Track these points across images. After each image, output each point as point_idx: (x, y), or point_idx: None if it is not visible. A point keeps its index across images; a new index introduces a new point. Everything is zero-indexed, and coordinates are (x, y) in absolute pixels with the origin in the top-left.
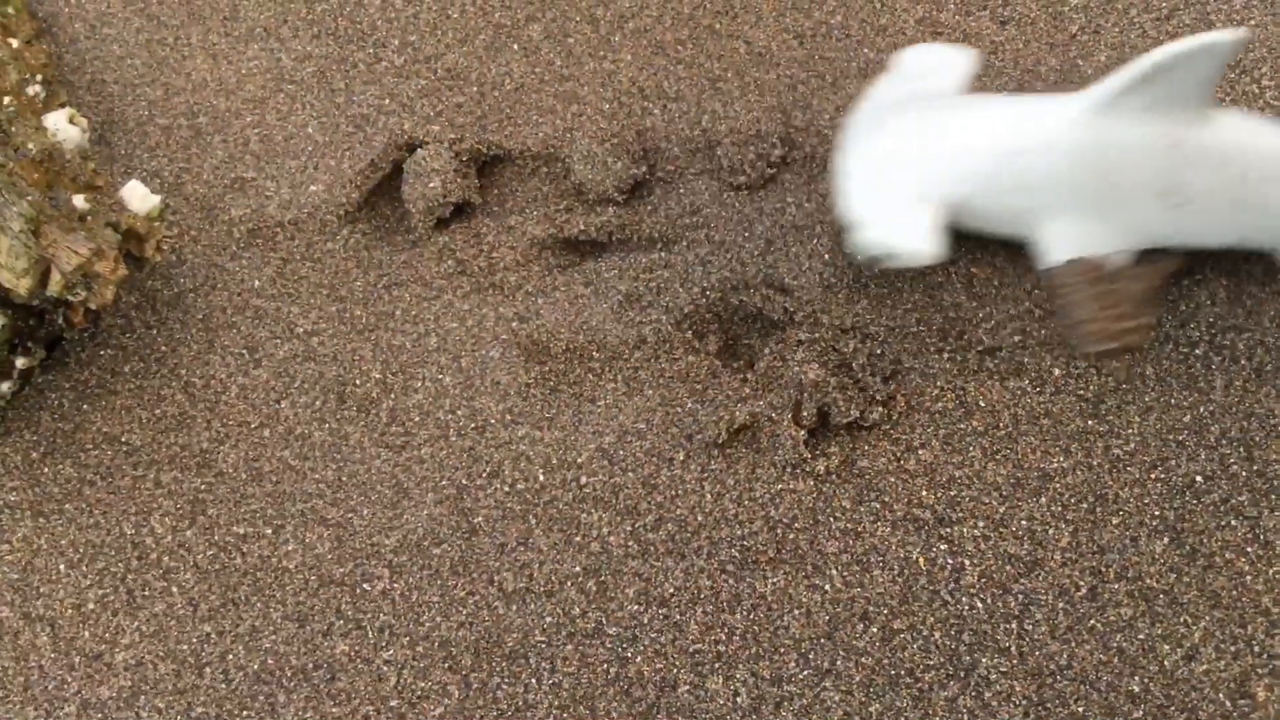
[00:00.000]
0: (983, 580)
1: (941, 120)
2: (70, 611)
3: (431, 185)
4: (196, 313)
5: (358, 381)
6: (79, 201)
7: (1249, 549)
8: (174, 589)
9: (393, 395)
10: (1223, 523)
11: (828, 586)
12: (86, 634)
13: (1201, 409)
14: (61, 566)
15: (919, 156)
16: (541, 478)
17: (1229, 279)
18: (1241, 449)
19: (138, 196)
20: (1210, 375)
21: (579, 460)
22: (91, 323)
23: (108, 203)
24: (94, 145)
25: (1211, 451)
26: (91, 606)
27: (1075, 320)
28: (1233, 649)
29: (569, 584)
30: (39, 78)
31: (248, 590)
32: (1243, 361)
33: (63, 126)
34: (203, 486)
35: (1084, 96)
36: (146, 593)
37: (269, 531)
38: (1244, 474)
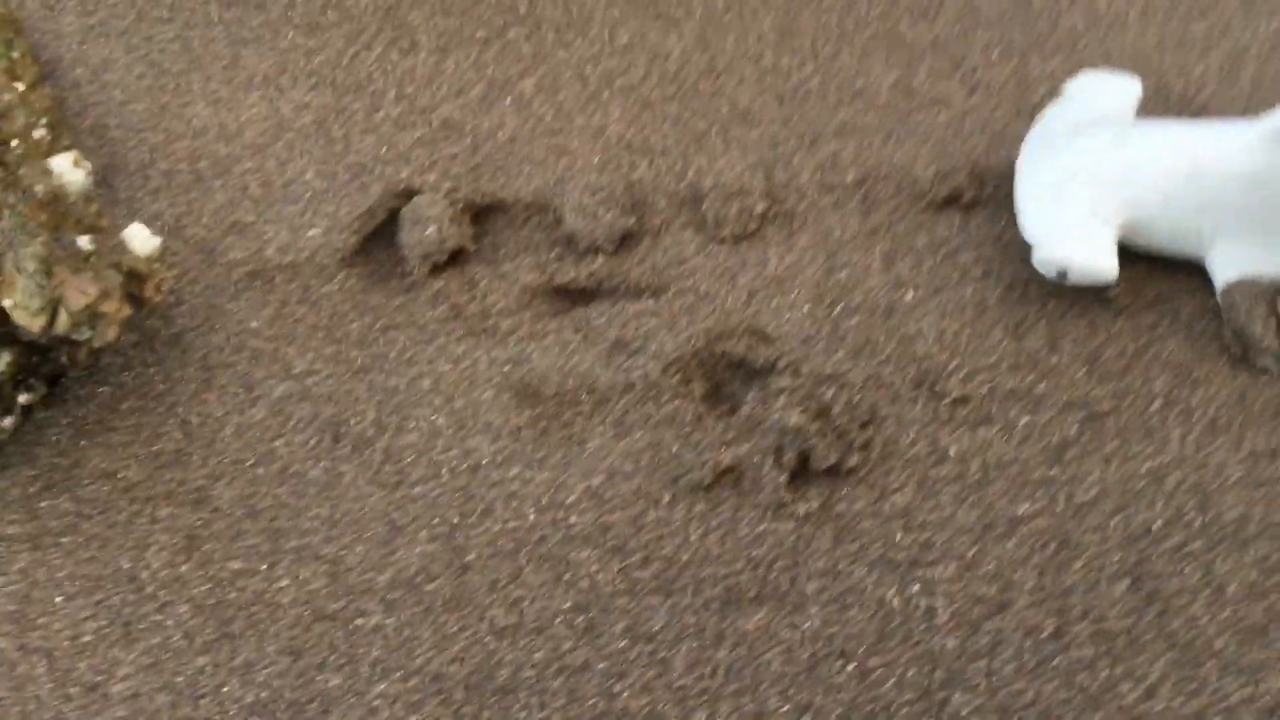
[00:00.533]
0: (954, 620)
1: (1118, 143)
2: (67, 643)
3: (428, 232)
4: (195, 352)
5: (353, 421)
6: (83, 243)
7: (1203, 593)
8: (170, 622)
9: (387, 435)
10: (1179, 568)
11: (808, 625)
12: (83, 665)
13: (1159, 459)
14: (59, 599)
15: (1097, 178)
16: (532, 517)
17: (1186, 335)
18: (1197, 498)
19: (139, 239)
20: (1168, 427)
21: (569, 500)
22: (92, 360)
23: (110, 244)
24: (97, 188)
25: (1169, 500)
26: (88, 638)
27: (1250, 336)
28: (1189, 688)
29: (558, 620)
30: (44, 121)
31: (243, 624)
32: (1198, 415)
33: (67, 169)
34: (198, 522)
35: (1260, 124)
36: (143, 625)
37: (264, 567)
38: (1199, 522)
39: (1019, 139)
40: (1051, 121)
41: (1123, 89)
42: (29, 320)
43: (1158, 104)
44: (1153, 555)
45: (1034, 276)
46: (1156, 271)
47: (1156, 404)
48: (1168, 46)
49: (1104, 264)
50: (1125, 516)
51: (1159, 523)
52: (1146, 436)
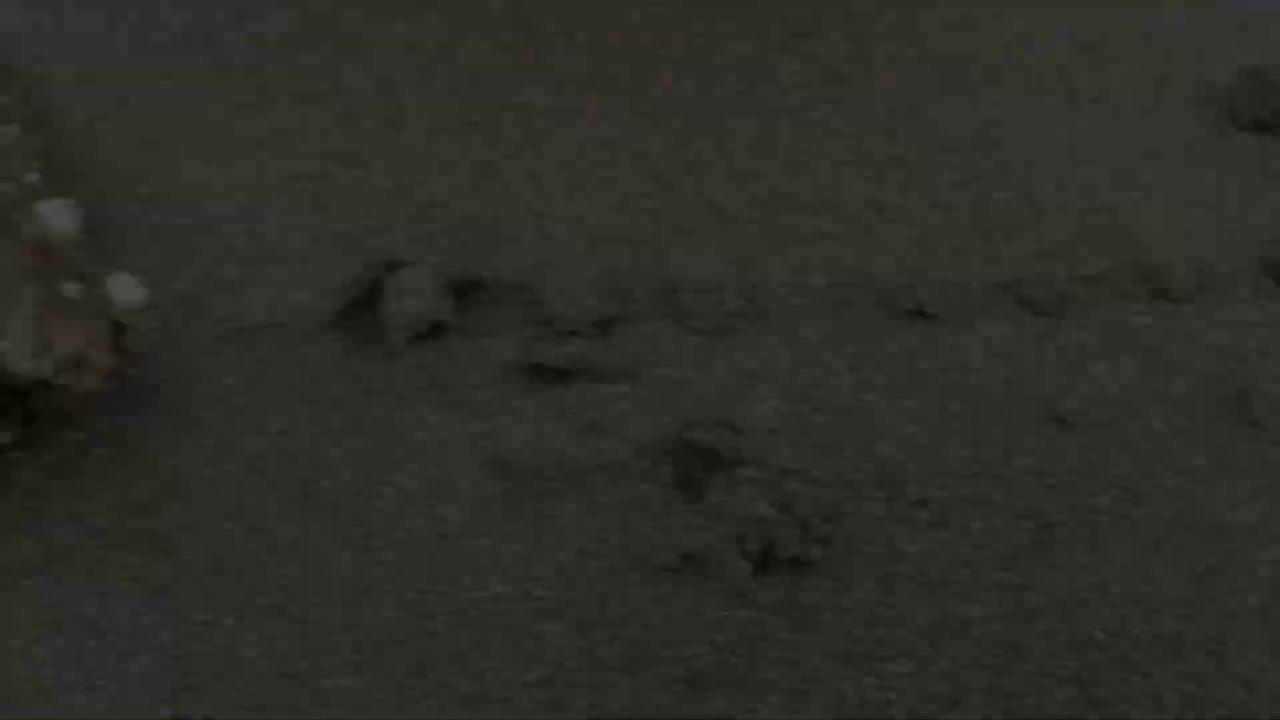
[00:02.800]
0: (908, 716)
1: None
2: (26, 688)
3: (411, 304)
4: (170, 404)
5: (325, 482)
6: (71, 289)
7: (1144, 702)
8: (132, 671)
9: (359, 498)
10: (1121, 677)
11: (765, 712)
12: (40, 712)
13: (1105, 571)
14: (17, 642)
15: None
16: (499, 588)
17: (1132, 454)
18: (1140, 611)
19: (124, 289)
20: (1113, 543)
21: (536, 573)
22: (70, 405)
23: (95, 292)
24: (82, 236)
25: (1113, 611)
26: (48, 683)
27: None
28: None
29: (522, 692)
30: (36, 166)
31: (206, 677)
32: (1142, 532)
33: (57, 216)
34: (166, 572)
35: None
36: (104, 673)
37: (230, 621)
38: (1141, 634)
39: (979, 257)
40: None
41: None
42: (18, 363)
43: (1100, 235)
44: (1098, 663)
45: (989, 388)
46: (1104, 396)
47: (1104, 519)
48: (1119, 184)
49: None
50: (1072, 624)
51: (1103, 632)
52: (1093, 549)
